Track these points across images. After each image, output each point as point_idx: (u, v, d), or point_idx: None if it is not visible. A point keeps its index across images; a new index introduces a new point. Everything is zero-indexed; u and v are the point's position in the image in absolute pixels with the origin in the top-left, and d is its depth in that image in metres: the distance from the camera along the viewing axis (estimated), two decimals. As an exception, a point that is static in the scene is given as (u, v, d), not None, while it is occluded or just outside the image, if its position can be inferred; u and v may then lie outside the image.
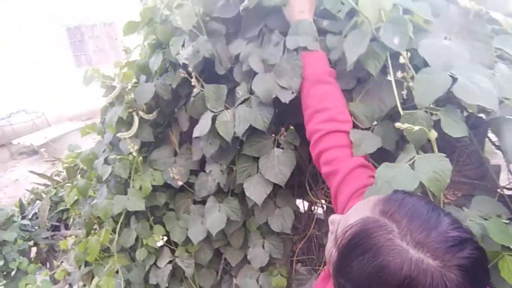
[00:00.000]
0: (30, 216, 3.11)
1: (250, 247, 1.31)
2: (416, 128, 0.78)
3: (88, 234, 1.78)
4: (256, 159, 1.18)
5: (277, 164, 1.10)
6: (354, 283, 0.54)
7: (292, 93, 1.00)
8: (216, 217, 1.26)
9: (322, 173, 0.96)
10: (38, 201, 3.32)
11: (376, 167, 0.88)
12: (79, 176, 2.87)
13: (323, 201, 1.33)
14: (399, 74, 0.86)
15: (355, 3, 0.93)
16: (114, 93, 1.43)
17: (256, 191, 1.15)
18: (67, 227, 3.23)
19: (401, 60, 0.85)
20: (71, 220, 2.24)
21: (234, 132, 1.11)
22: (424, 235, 0.51)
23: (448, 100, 0.86)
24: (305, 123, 1.00)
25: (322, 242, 1.38)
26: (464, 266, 0.49)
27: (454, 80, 0.77)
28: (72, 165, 3.02)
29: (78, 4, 9.06)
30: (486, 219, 0.84)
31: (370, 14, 0.84)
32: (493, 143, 1.13)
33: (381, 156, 0.93)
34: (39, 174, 3.49)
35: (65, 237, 3.17)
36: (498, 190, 1.00)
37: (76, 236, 2.61)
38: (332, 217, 0.70)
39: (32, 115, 8.41)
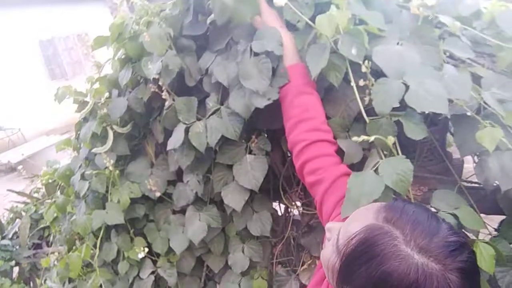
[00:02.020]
0: (10, 236, 3.06)
1: (230, 253, 1.34)
2: (372, 138, 0.84)
3: (69, 250, 1.78)
4: (230, 167, 1.21)
5: (250, 170, 1.13)
6: None
7: (268, 99, 1.03)
8: (197, 226, 1.28)
9: (306, 183, 0.98)
10: (18, 220, 3.26)
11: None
12: (58, 192, 2.85)
13: (298, 203, 1.36)
14: (361, 83, 0.91)
15: (310, 17, 0.98)
16: (87, 109, 1.44)
17: (234, 198, 1.18)
18: (49, 245, 3.20)
19: (363, 69, 0.89)
20: (51, 237, 2.22)
21: (207, 143, 1.14)
22: (427, 240, 0.54)
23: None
24: (287, 133, 1.02)
25: (300, 242, 1.41)
26: (463, 268, 0.53)
27: (407, 87, 0.82)
28: (51, 181, 2.98)
29: (50, 17, 8.93)
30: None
31: (327, 32, 0.89)
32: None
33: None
34: (17, 192, 3.44)
35: (47, 255, 3.13)
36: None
37: (58, 253, 2.59)
38: (329, 225, 0.72)
39: (8, 131, 8.24)
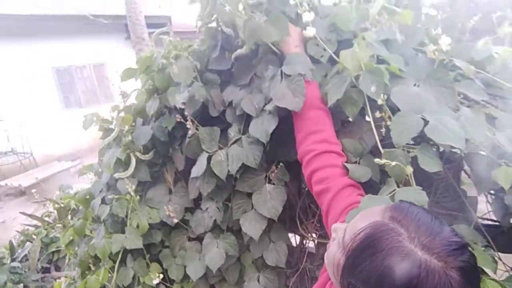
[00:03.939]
0: (20, 258, 3.07)
1: (245, 281, 1.36)
2: (393, 163, 0.87)
3: (83, 273, 1.80)
4: (250, 196, 1.25)
5: (269, 199, 1.18)
6: (366, 282, 0.58)
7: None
8: (215, 253, 1.31)
9: (314, 192, 1.03)
10: (28, 243, 3.29)
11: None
12: (69, 216, 2.89)
13: (314, 234, 1.39)
14: (378, 114, 0.96)
15: (334, 52, 1.06)
16: (112, 136, 1.51)
17: (252, 227, 1.21)
18: (58, 269, 3.20)
19: (379, 102, 0.95)
20: (66, 260, 2.23)
21: (228, 170, 1.19)
22: (430, 239, 0.57)
23: (423, 138, 0.96)
24: (298, 145, 1.08)
25: (315, 275, 1.42)
26: (464, 268, 0.55)
27: (426, 122, 0.87)
28: (63, 205, 3.02)
29: (68, 47, 9.28)
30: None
31: (350, 66, 0.95)
32: (469, 176, 1.22)
33: (367, 186, 1.01)
34: (29, 215, 3.48)
35: (55, 279, 3.13)
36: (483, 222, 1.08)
37: (65, 277, 2.59)
38: (335, 225, 0.76)
39: (20, 155, 8.37)
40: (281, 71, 1.11)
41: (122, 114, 1.59)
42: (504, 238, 1.05)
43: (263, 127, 1.13)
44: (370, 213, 0.67)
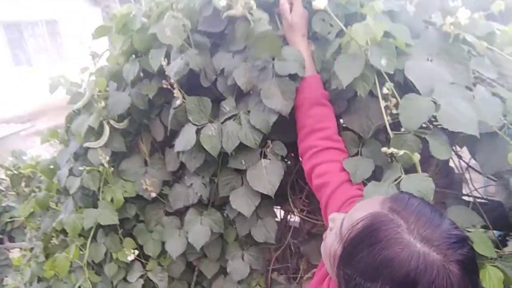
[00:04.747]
0: (-31, 229, 2.86)
1: (229, 260, 1.30)
2: (401, 152, 0.84)
3: (45, 248, 1.67)
4: (239, 171, 1.18)
5: (266, 175, 1.10)
6: (363, 272, 0.56)
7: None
8: (198, 230, 1.23)
9: (314, 186, 1.02)
10: (-22, 212, 3.05)
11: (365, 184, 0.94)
12: (23, 184, 2.70)
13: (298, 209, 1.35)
14: (383, 104, 0.91)
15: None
16: (84, 101, 1.36)
17: (243, 203, 1.15)
18: (11, 240, 3.01)
19: (384, 91, 0.90)
20: (27, 234, 2.08)
21: (222, 147, 1.10)
22: (430, 231, 0.55)
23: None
24: (299, 141, 1.07)
25: (298, 250, 1.40)
26: (463, 261, 0.54)
27: (437, 105, 0.83)
28: (16, 172, 2.81)
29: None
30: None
31: (362, 41, 0.90)
32: (455, 153, 1.21)
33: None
34: (-22, 183, 3.22)
35: (8, 250, 2.95)
36: (471, 199, 1.07)
37: (21, 249, 2.43)
38: (333, 215, 0.74)
39: (-37, 117, 7.75)
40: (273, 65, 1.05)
41: (93, 77, 1.43)
42: (495, 214, 1.05)
43: (264, 117, 1.07)
44: (369, 203, 0.65)
